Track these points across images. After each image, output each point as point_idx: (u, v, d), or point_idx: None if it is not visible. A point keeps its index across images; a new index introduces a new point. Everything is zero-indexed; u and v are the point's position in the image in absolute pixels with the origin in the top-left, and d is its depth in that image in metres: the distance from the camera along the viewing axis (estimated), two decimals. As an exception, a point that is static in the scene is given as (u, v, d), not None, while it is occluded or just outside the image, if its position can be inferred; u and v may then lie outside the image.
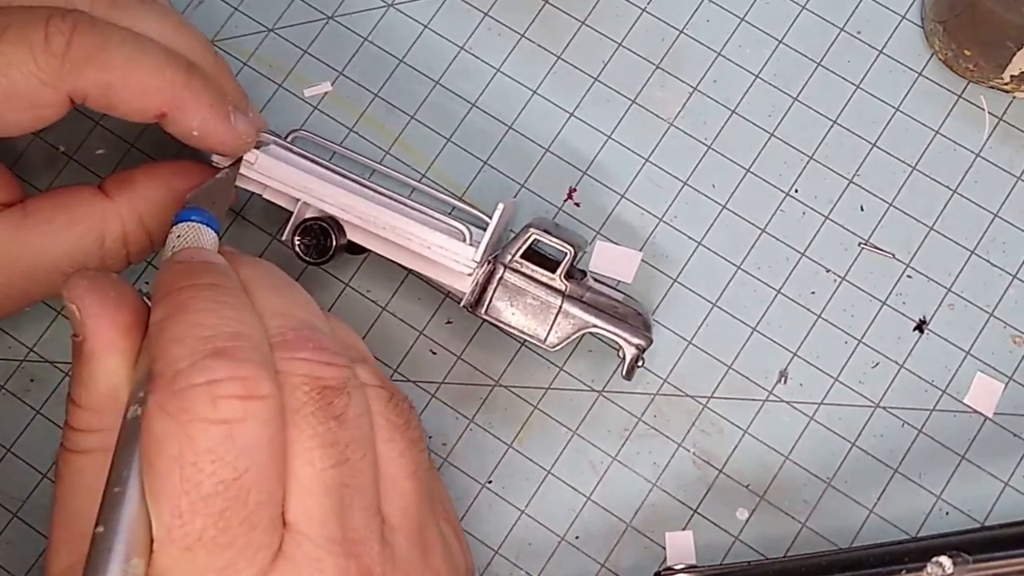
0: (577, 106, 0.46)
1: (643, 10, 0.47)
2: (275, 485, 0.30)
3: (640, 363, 0.41)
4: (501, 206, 0.40)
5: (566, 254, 0.41)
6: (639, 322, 0.42)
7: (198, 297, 0.31)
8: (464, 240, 0.40)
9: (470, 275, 0.41)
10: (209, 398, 0.29)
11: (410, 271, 0.42)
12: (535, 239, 0.41)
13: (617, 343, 0.41)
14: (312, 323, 0.33)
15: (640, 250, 0.45)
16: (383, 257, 0.42)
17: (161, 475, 0.28)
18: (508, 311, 0.41)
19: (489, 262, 0.41)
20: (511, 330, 0.41)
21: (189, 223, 0.36)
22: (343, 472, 0.31)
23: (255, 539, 0.29)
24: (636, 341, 0.41)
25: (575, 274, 0.43)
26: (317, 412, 0.31)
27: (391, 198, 0.42)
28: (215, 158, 0.41)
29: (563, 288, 0.41)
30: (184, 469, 0.28)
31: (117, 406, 0.31)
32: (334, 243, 0.41)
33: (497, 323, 0.41)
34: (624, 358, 0.41)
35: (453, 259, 0.40)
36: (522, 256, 0.41)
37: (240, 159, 0.41)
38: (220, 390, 0.29)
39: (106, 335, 0.32)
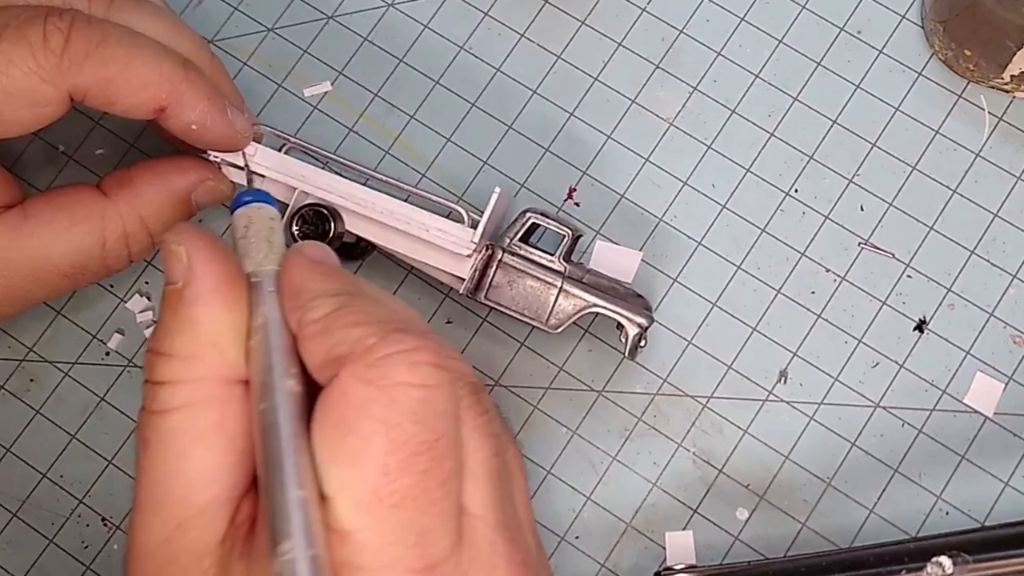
0: (577, 106, 0.46)
1: (643, 10, 0.47)
2: (459, 461, 0.30)
3: (643, 343, 0.41)
4: (497, 190, 0.40)
5: (564, 237, 0.41)
6: (640, 303, 0.42)
7: (360, 294, 0.32)
8: (463, 222, 0.40)
9: (469, 256, 0.41)
10: (407, 364, 0.29)
11: (409, 268, 0.42)
12: (533, 221, 0.41)
13: (619, 323, 0.41)
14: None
15: (640, 250, 0.45)
16: (382, 257, 0.42)
17: (366, 437, 0.28)
18: (508, 294, 0.41)
19: (488, 247, 0.41)
20: (512, 313, 0.41)
21: (258, 204, 0.35)
22: (500, 462, 0.32)
23: (448, 508, 0.30)
24: (639, 320, 0.41)
25: (573, 260, 0.43)
26: (475, 405, 0.32)
27: (389, 184, 0.42)
28: (212, 152, 0.41)
29: (562, 269, 0.41)
30: (391, 430, 0.28)
31: (217, 354, 0.31)
32: (332, 228, 0.41)
33: (498, 307, 0.41)
34: (627, 338, 0.41)
35: (452, 241, 0.40)
36: (520, 242, 0.41)
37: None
38: (415, 357, 0.29)
39: (215, 280, 0.31)
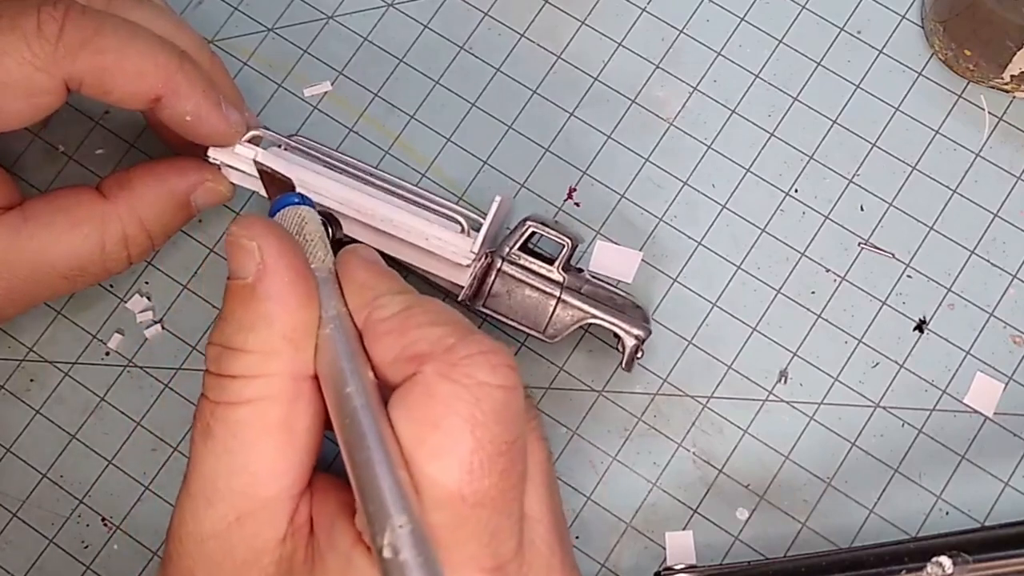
0: (577, 106, 0.46)
1: (643, 10, 0.47)
2: (526, 464, 0.31)
3: (640, 354, 0.41)
4: (498, 199, 0.40)
5: (563, 247, 0.41)
6: (637, 314, 0.42)
7: (419, 295, 0.32)
8: (461, 231, 0.40)
9: (468, 266, 0.41)
10: (489, 365, 0.29)
11: (408, 270, 0.42)
12: (533, 232, 0.41)
13: (616, 334, 0.41)
14: None
15: (640, 250, 0.45)
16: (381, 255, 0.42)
17: (453, 434, 0.29)
18: (506, 304, 0.41)
19: (487, 255, 0.41)
20: (510, 323, 0.41)
21: (305, 207, 0.35)
22: (552, 465, 0.33)
23: (517, 510, 0.30)
24: (635, 331, 0.41)
25: (572, 270, 0.43)
26: (530, 408, 0.32)
27: (389, 191, 0.42)
28: (211, 153, 0.41)
29: (561, 280, 0.41)
30: (476, 428, 0.29)
31: (292, 350, 0.31)
32: (331, 234, 0.41)
33: (496, 316, 0.41)
34: (624, 349, 0.41)
35: (451, 250, 0.40)
36: (520, 251, 0.41)
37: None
38: (495, 359, 0.30)
39: (289, 276, 0.31)
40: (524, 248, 0.42)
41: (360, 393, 0.30)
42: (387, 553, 0.27)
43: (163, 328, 0.45)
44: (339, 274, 0.33)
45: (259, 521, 0.30)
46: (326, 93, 0.47)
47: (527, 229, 0.41)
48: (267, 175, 0.39)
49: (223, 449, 0.30)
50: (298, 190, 0.41)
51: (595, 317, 0.41)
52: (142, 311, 0.45)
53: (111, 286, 0.46)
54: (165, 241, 0.42)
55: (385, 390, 0.31)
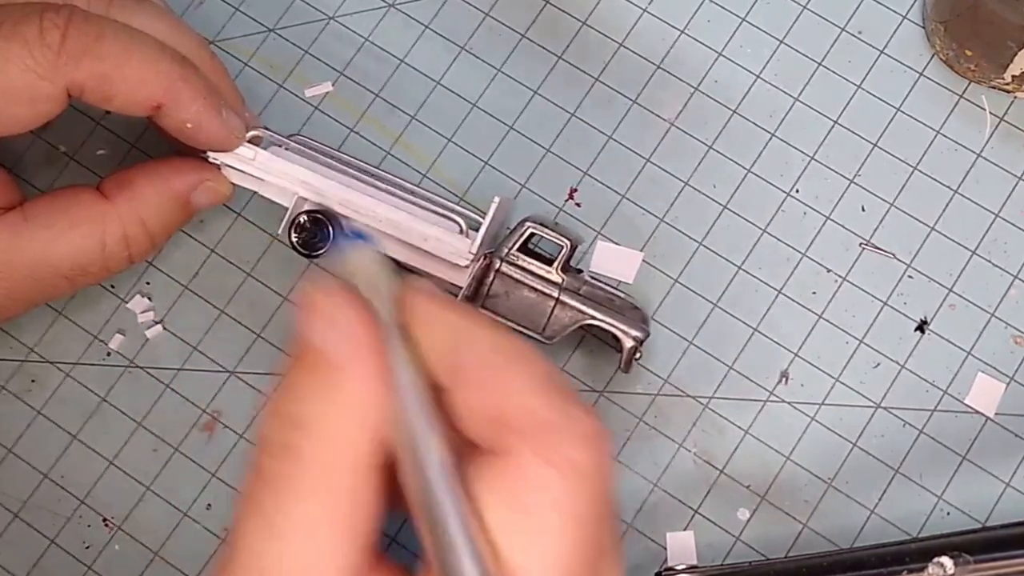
0: (578, 106, 0.46)
1: (644, 10, 0.47)
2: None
3: (638, 356, 0.41)
4: (497, 199, 0.40)
5: (562, 248, 0.41)
6: (636, 315, 0.42)
7: (516, 340, 0.29)
8: (460, 232, 0.40)
9: (466, 267, 0.41)
10: (588, 448, 0.27)
11: (408, 269, 0.42)
12: (531, 232, 0.41)
13: (615, 335, 0.41)
14: None
15: (641, 250, 0.45)
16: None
17: (547, 523, 0.26)
18: (505, 305, 0.41)
19: (486, 256, 0.41)
20: (508, 324, 0.41)
21: (372, 249, 0.30)
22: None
23: None
24: (634, 333, 0.41)
25: (571, 271, 0.43)
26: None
27: (389, 191, 0.42)
28: (211, 153, 0.41)
29: (560, 281, 0.41)
30: (577, 528, 0.26)
31: (362, 434, 0.27)
32: (331, 234, 0.41)
33: (494, 317, 0.41)
34: (622, 350, 0.41)
35: (449, 251, 0.40)
36: (519, 251, 0.41)
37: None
38: (594, 441, 0.27)
39: (367, 353, 0.27)
40: (523, 248, 0.42)
41: (440, 472, 0.27)
42: None
43: (164, 328, 0.45)
44: (414, 317, 0.29)
45: None
46: (327, 93, 0.47)
47: (526, 230, 0.41)
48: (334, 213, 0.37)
49: (276, 533, 0.27)
50: (298, 193, 0.41)
51: (593, 318, 0.41)
52: (143, 311, 0.45)
53: (112, 286, 0.46)
54: (166, 241, 0.42)
55: (462, 445, 0.28)
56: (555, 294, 0.41)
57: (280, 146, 0.42)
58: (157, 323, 0.45)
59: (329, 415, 0.27)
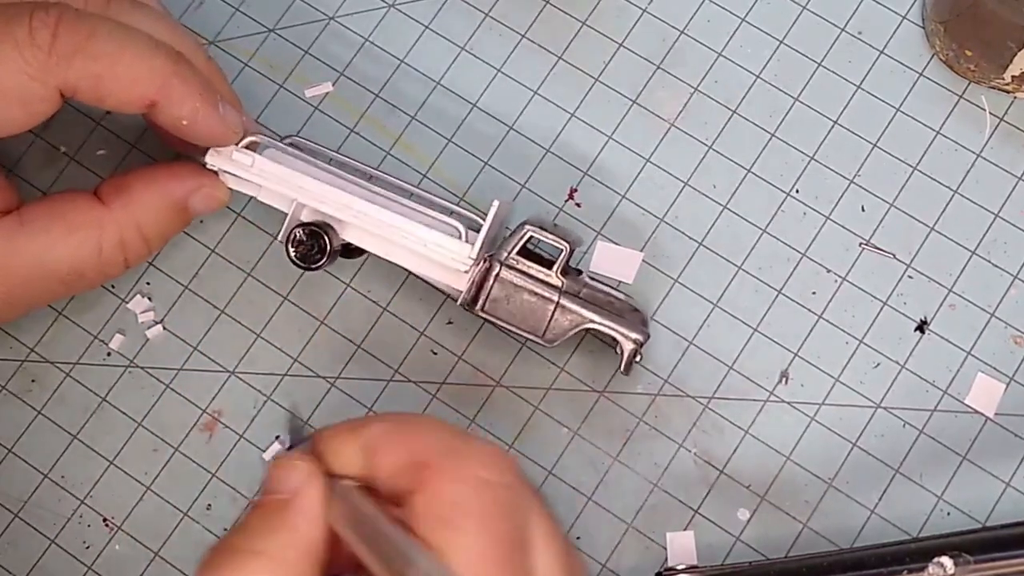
0: (578, 106, 0.46)
1: (644, 10, 0.47)
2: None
3: (638, 358, 0.41)
4: (496, 203, 0.40)
5: (562, 251, 0.41)
6: (636, 318, 0.42)
7: (415, 414, 0.36)
8: (460, 237, 0.40)
9: (466, 272, 0.41)
10: (492, 463, 0.32)
11: (409, 271, 0.42)
12: (531, 235, 0.41)
13: (615, 338, 0.41)
14: None
15: (641, 250, 0.45)
16: (381, 259, 0.42)
17: (467, 533, 0.30)
18: (505, 308, 0.41)
19: (485, 260, 0.41)
20: (509, 327, 0.41)
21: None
22: (563, 537, 0.34)
23: None
24: (634, 336, 0.41)
25: (571, 272, 0.43)
26: (535, 492, 0.34)
27: (387, 197, 0.42)
28: (208, 159, 0.41)
29: (560, 284, 0.41)
30: (488, 525, 0.31)
31: (306, 554, 0.32)
32: (328, 246, 0.41)
33: (494, 321, 0.41)
34: (622, 353, 0.41)
35: (449, 256, 0.40)
36: (519, 254, 0.41)
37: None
38: (496, 458, 0.32)
39: (324, 498, 0.33)
40: (523, 251, 0.42)
41: (376, 518, 0.31)
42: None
43: (164, 329, 0.45)
44: (323, 448, 0.34)
45: None
46: (327, 94, 0.47)
47: (525, 233, 0.41)
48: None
49: None
50: (297, 199, 0.41)
51: (593, 322, 0.41)
52: (143, 312, 0.45)
53: (112, 287, 0.46)
54: (162, 246, 0.42)
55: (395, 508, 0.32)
56: (555, 298, 0.41)
57: (278, 150, 0.42)
58: (157, 323, 0.45)
59: (278, 547, 0.32)
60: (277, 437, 0.35)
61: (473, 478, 0.31)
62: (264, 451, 0.44)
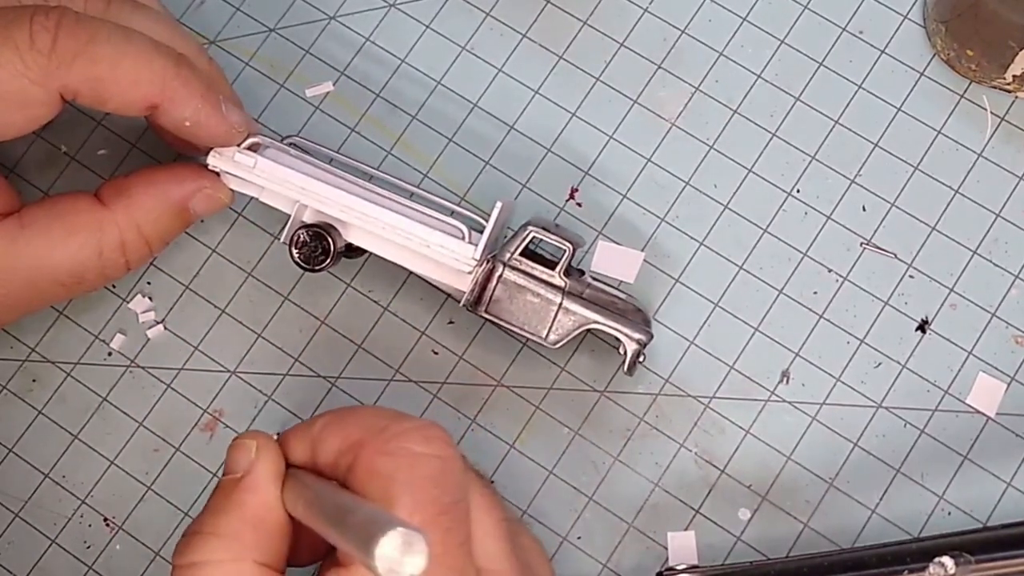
0: (579, 106, 0.46)
1: (645, 10, 0.47)
2: (470, 525, 0.33)
3: (641, 359, 0.41)
4: (499, 204, 0.40)
5: (564, 251, 0.41)
6: (639, 318, 0.42)
7: (354, 407, 0.37)
8: (463, 238, 0.40)
9: (469, 273, 0.41)
10: (422, 437, 0.33)
11: (411, 272, 0.42)
12: (533, 236, 0.41)
13: (618, 339, 0.41)
14: None
15: (642, 250, 0.45)
16: (382, 260, 0.42)
17: (393, 500, 0.31)
18: (508, 309, 0.41)
19: (488, 261, 0.41)
20: (512, 328, 0.41)
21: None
22: (510, 526, 0.36)
23: (467, 565, 0.32)
24: (637, 336, 0.41)
25: (573, 273, 0.43)
26: (479, 477, 0.36)
27: (389, 198, 0.42)
28: (210, 161, 0.41)
29: (563, 285, 0.41)
30: (415, 492, 0.31)
31: (257, 535, 0.33)
32: (331, 247, 0.41)
33: (497, 321, 0.41)
34: (625, 354, 0.41)
35: (452, 257, 0.40)
36: (521, 255, 0.41)
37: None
38: (427, 432, 0.33)
39: (274, 473, 0.34)
40: (526, 251, 0.42)
41: (320, 486, 0.33)
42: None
43: (165, 328, 0.45)
44: (283, 447, 0.35)
45: None
46: (328, 93, 0.47)
47: (528, 234, 0.41)
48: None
49: None
50: (299, 200, 0.41)
51: (597, 323, 0.41)
52: (144, 311, 0.45)
53: (113, 287, 0.46)
54: (163, 248, 0.42)
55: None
56: (558, 299, 0.41)
57: (280, 151, 0.42)
58: (158, 323, 0.45)
59: (231, 527, 0.33)
60: (277, 435, 0.35)
61: (403, 450, 0.32)
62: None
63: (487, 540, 0.34)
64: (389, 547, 0.27)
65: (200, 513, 0.33)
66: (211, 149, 0.41)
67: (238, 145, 0.41)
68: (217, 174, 0.41)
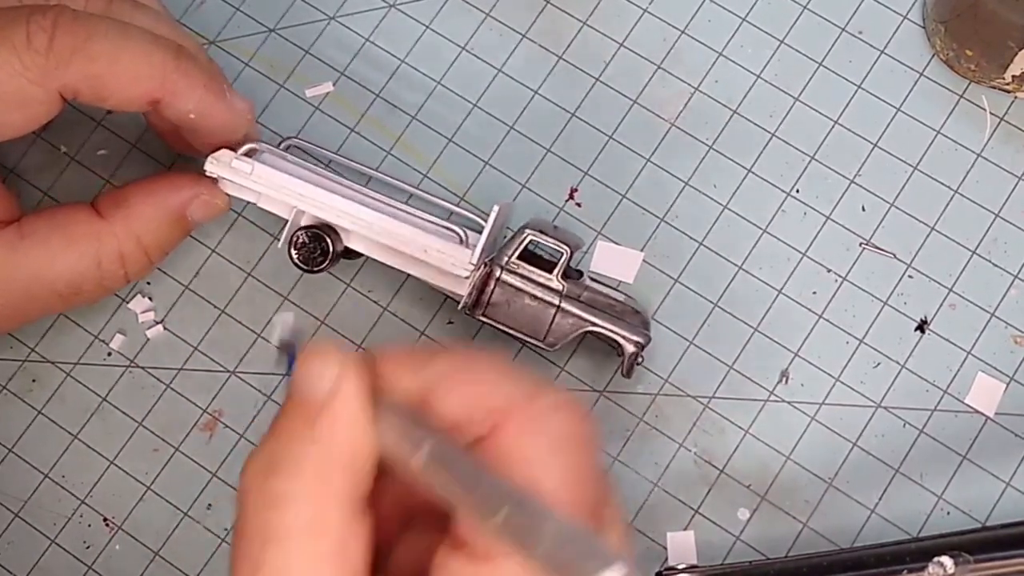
0: (578, 106, 0.46)
1: (644, 10, 0.47)
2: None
3: (639, 360, 0.41)
4: (496, 208, 0.40)
5: (562, 254, 0.41)
6: (637, 320, 0.42)
7: (469, 352, 0.31)
8: (460, 243, 0.40)
9: (467, 278, 0.41)
10: (573, 416, 0.28)
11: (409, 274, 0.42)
12: (531, 240, 0.41)
13: (616, 341, 0.41)
14: None
15: (641, 250, 0.45)
16: (381, 263, 0.42)
17: (547, 494, 0.27)
18: (506, 313, 0.41)
19: (486, 264, 0.41)
20: (510, 331, 0.41)
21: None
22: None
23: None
24: (635, 338, 0.41)
25: (572, 274, 0.43)
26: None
27: (387, 203, 0.42)
28: (208, 167, 0.41)
29: (560, 288, 0.41)
30: (574, 487, 0.27)
31: (347, 477, 0.28)
32: (330, 249, 0.41)
33: (495, 325, 0.41)
34: (623, 356, 0.41)
35: (450, 262, 0.40)
36: (519, 258, 0.41)
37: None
38: (574, 409, 0.28)
39: (360, 405, 0.28)
40: (524, 253, 0.42)
41: (447, 442, 0.27)
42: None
43: (165, 328, 0.45)
44: (379, 370, 0.30)
45: None
46: (328, 94, 0.47)
47: (525, 238, 0.41)
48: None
49: (271, 570, 0.27)
50: (296, 206, 0.41)
51: (594, 325, 0.41)
52: (144, 311, 0.45)
53: (113, 286, 0.46)
54: (163, 258, 0.41)
55: None
56: (556, 301, 0.41)
57: (277, 155, 0.42)
58: (158, 323, 0.45)
59: (320, 468, 0.28)
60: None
61: (550, 429, 0.28)
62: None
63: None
64: None
65: (270, 434, 0.28)
66: (217, 146, 0.40)
67: (235, 149, 0.41)
68: (214, 180, 0.41)
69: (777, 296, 0.44)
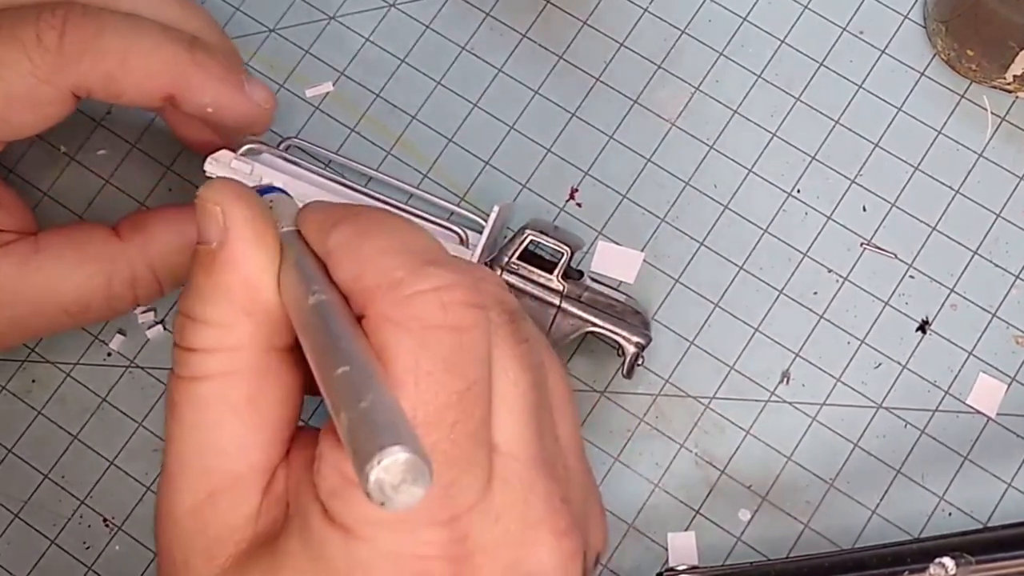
0: (579, 106, 0.46)
1: (645, 10, 0.47)
2: (489, 402, 0.28)
3: (640, 361, 0.41)
4: (497, 208, 0.40)
5: (563, 254, 0.41)
6: (638, 320, 0.42)
7: (388, 217, 0.29)
8: (460, 243, 0.40)
9: None
10: (439, 304, 0.26)
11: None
12: (531, 240, 0.41)
13: (617, 342, 0.41)
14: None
15: (642, 250, 0.45)
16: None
17: (394, 383, 0.26)
18: None
19: (486, 264, 0.41)
20: None
21: (280, 195, 0.32)
22: (538, 394, 0.30)
23: (479, 456, 0.27)
24: (636, 339, 0.41)
25: (572, 274, 0.43)
26: (513, 333, 0.29)
27: (387, 203, 0.42)
28: (207, 167, 0.41)
29: (561, 288, 0.41)
30: (420, 381, 0.26)
31: (252, 322, 0.28)
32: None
33: None
34: (624, 357, 0.41)
35: None
36: (519, 258, 0.41)
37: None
38: (448, 295, 0.27)
39: (252, 242, 0.28)
40: (524, 254, 0.42)
41: (322, 304, 0.27)
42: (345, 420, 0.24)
43: (165, 328, 0.45)
44: (300, 216, 0.30)
45: (231, 498, 0.29)
46: (328, 94, 0.47)
47: (525, 238, 0.41)
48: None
49: (190, 426, 0.29)
50: (296, 202, 0.41)
51: (595, 325, 0.41)
52: (144, 311, 0.45)
53: (113, 287, 0.46)
54: (175, 287, 0.41)
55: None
56: (556, 302, 0.41)
57: (276, 156, 0.42)
58: (158, 323, 0.45)
59: (219, 313, 0.28)
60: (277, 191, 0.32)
61: (413, 320, 0.26)
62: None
63: (509, 418, 0.29)
64: (387, 472, 0.22)
65: (185, 291, 0.29)
66: (242, 139, 0.40)
67: (234, 150, 0.41)
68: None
69: (778, 296, 0.44)
